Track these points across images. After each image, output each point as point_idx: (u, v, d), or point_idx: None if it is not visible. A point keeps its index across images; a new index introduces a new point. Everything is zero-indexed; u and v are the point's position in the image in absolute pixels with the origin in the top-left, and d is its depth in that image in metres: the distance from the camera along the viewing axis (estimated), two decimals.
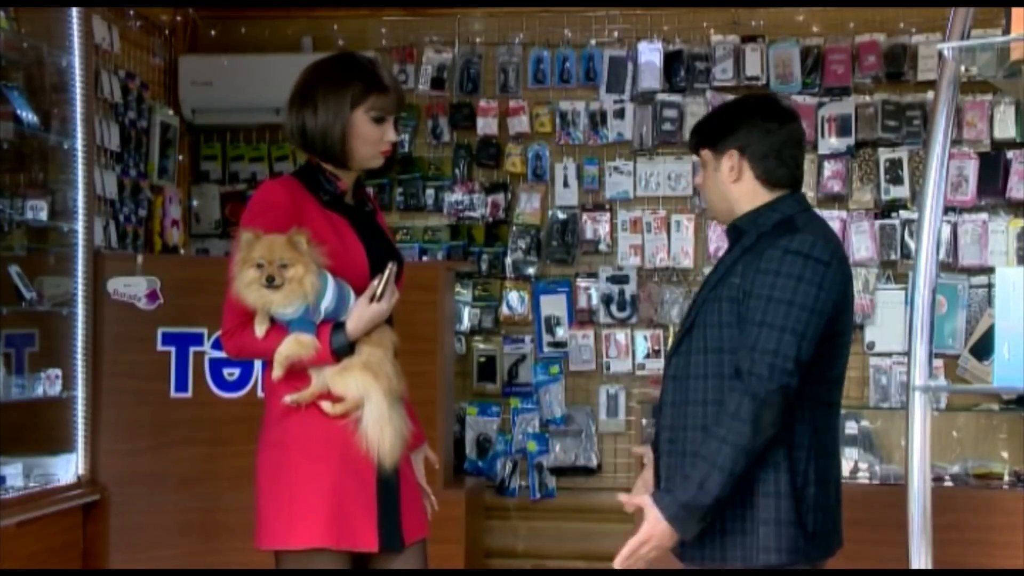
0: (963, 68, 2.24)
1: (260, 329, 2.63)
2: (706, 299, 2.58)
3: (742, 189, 2.64)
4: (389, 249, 2.86)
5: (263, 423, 2.75)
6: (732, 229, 2.67)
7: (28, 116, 3.93)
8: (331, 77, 2.76)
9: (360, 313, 2.66)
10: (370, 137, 2.75)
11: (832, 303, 2.48)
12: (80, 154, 4.09)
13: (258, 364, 4.25)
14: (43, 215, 3.96)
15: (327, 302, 2.63)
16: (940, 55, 2.21)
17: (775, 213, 2.61)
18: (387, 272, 2.68)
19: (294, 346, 2.62)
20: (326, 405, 2.65)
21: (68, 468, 4.04)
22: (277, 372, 2.63)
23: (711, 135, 2.68)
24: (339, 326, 2.65)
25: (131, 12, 4.96)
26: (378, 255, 2.76)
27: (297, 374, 2.67)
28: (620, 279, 5.27)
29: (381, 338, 2.71)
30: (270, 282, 2.55)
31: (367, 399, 2.64)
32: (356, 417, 2.66)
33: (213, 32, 5.55)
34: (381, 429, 2.64)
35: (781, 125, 2.65)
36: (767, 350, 2.41)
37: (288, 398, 2.66)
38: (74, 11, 4.02)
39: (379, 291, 2.67)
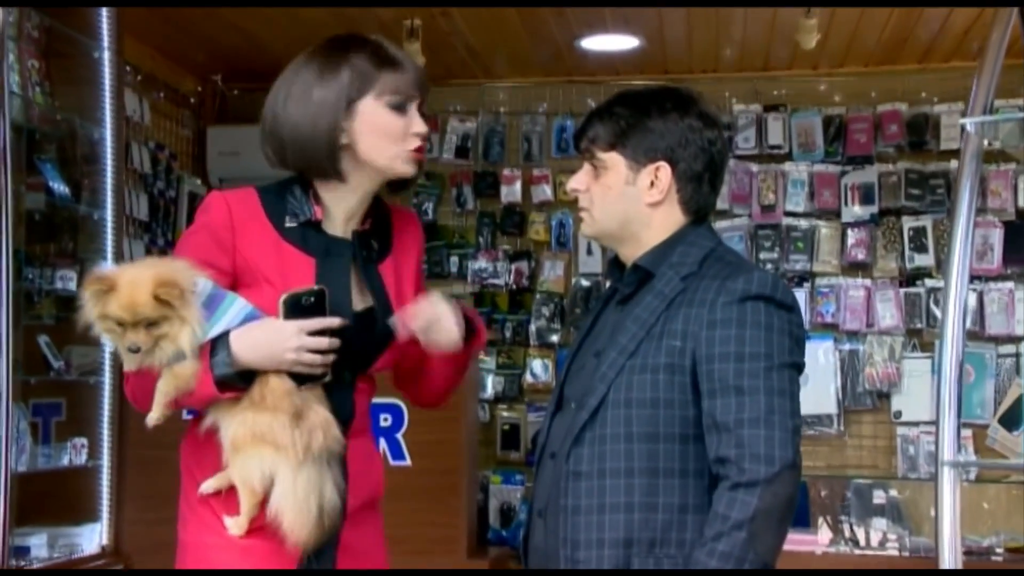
0: (986, 142, 2.25)
1: (128, 364, 2.01)
2: (623, 368, 1.95)
3: (661, 215, 2.04)
4: (375, 305, 2.10)
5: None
6: (634, 269, 2.08)
7: (60, 187, 3.98)
8: (317, 66, 2.16)
9: (258, 329, 1.96)
10: (392, 130, 2.09)
11: (803, 355, 1.97)
12: (110, 224, 4.13)
13: None
14: (72, 285, 3.99)
15: (223, 327, 1.99)
16: (963, 129, 2.22)
17: (694, 248, 2.02)
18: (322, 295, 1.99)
19: (169, 380, 1.99)
20: (229, 523, 2.06)
21: (92, 538, 4.03)
22: (154, 415, 1.99)
23: (628, 135, 2.00)
24: (221, 341, 1.97)
25: (161, 84, 5.04)
26: (340, 309, 2.03)
27: (210, 455, 2.06)
28: None
29: (280, 402, 2.00)
30: (132, 350, 1.97)
31: (275, 479, 2.02)
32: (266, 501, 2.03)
33: (240, 103, 5.62)
34: (299, 506, 2.01)
35: (719, 135, 2.05)
36: (757, 422, 1.85)
37: (204, 486, 2.07)
38: (107, 84, 4.08)
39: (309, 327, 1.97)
